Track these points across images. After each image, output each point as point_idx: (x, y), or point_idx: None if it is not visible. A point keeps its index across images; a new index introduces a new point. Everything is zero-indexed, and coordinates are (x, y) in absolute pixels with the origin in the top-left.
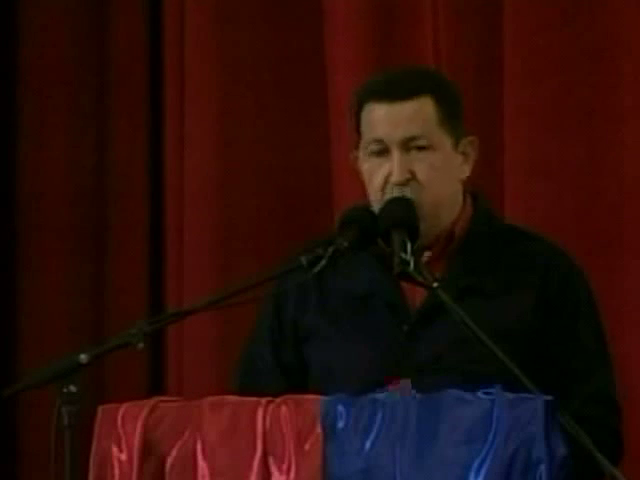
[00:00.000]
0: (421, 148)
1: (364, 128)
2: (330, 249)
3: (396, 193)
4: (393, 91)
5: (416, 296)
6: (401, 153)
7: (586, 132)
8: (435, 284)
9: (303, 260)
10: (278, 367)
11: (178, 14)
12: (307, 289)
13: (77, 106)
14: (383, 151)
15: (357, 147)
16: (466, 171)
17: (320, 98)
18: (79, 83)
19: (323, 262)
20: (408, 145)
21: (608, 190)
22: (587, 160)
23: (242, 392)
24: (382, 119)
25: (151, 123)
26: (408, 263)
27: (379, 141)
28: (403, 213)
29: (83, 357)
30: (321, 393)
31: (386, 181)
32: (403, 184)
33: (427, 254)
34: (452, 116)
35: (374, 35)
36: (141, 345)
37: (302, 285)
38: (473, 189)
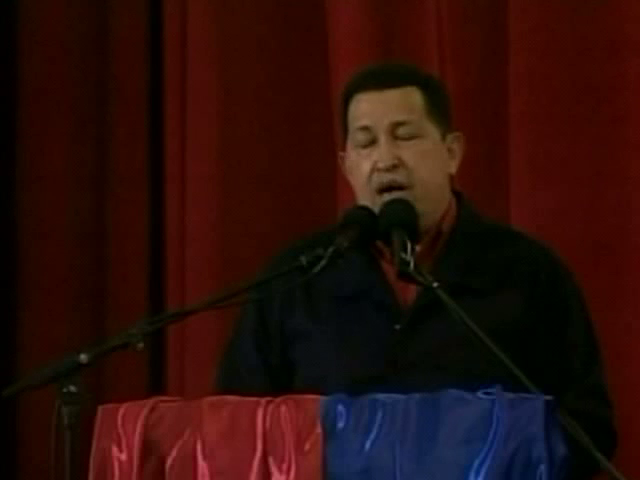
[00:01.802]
0: (409, 137)
1: (351, 119)
2: (330, 249)
3: (383, 179)
4: (380, 80)
5: (407, 296)
6: (388, 140)
7: (591, 133)
8: (435, 284)
9: (303, 260)
10: (263, 368)
11: (179, 18)
12: (293, 290)
13: (77, 112)
14: (370, 141)
15: (344, 147)
16: (452, 167)
17: (324, 101)
18: (79, 92)
19: (323, 262)
20: (395, 133)
21: (613, 191)
22: (592, 161)
23: (226, 394)
24: (369, 106)
25: (152, 128)
26: (408, 263)
27: (366, 129)
28: (403, 213)
29: (83, 357)
30: (311, 394)
31: (373, 169)
32: (390, 170)
33: (417, 248)
34: (439, 109)
35: (378, 38)
36: (141, 345)
37: (287, 289)
38: (455, 189)
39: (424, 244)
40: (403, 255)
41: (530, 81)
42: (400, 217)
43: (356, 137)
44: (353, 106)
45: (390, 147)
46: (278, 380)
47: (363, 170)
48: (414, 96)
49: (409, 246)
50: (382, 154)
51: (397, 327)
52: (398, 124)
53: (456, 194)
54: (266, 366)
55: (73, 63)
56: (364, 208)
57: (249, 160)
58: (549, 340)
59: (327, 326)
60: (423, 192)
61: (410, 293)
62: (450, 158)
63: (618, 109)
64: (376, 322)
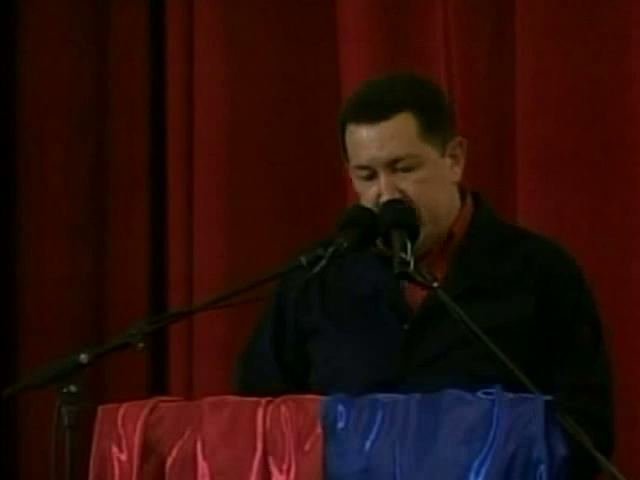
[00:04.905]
0: (407, 169)
1: (349, 151)
2: (330, 249)
3: None
4: (370, 112)
5: (418, 296)
6: (387, 174)
7: (597, 134)
8: (435, 284)
9: (303, 260)
10: (279, 366)
11: (183, 20)
12: (309, 288)
13: (77, 112)
14: (371, 176)
15: (347, 160)
16: (457, 172)
17: (333, 100)
18: (79, 93)
19: (323, 262)
20: (394, 166)
21: (619, 192)
22: (598, 162)
23: (243, 391)
24: (364, 144)
25: (154, 126)
26: (408, 263)
27: (365, 167)
28: (403, 213)
29: (83, 357)
30: (324, 393)
31: (377, 201)
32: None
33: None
34: (435, 125)
35: (385, 35)
36: (141, 345)
37: (304, 284)
38: (473, 189)
39: (436, 249)
40: (403, 255)
41: (536, 82)
42: (400, 217)
43: (356, 172)
44: (349, 137)
45: (390, 180)
46: (295, 379)
47: (368, 198)
48: (407, 124)
49: (409, 246)
50: (383, 190)
51: (406, 327)
52: (395, 160)
53: (473, 195)
54: (282, 365)
55: (73, 65)
56: (364, 208)
57: (256, 162)
58: (554, 340)
59: (342, 325)
60: (429, 217)
61: (421, 294)
62: (453, 165)
63: (624, 110)
64: (388, 323)
